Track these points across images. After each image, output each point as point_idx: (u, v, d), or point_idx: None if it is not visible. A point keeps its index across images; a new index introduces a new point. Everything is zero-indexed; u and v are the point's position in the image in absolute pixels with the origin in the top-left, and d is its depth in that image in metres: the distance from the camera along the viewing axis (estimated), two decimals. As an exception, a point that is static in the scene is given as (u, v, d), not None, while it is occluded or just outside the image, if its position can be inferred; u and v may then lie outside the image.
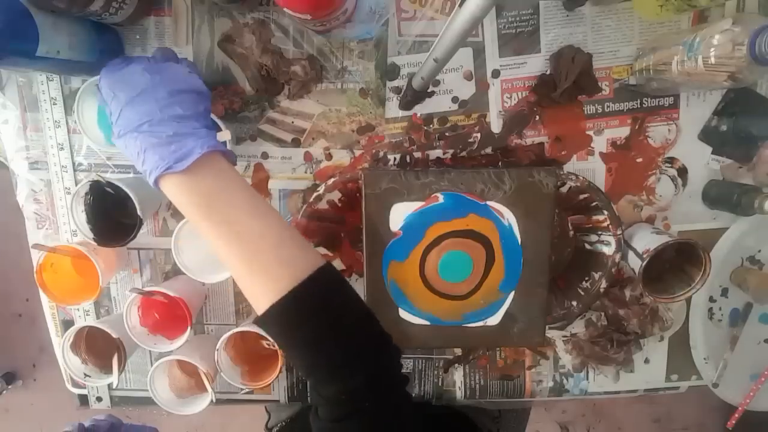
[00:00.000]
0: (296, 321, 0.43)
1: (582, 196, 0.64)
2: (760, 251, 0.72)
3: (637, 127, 0.67)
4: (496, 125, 0.67)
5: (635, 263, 0.63)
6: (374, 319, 0.46)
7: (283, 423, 0.83)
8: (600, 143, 0.68)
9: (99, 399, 0.77)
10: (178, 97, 0.47)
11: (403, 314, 0.63)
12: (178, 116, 0.45)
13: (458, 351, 0.75)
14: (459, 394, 0.76)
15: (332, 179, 0.63)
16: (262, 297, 0.44)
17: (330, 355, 0.43)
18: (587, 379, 0.76)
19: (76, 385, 0.76)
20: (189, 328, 0.65)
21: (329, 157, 0.69)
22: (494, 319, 0.64)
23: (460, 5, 0.44)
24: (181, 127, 0.45)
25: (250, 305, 0.73)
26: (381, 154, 0.68)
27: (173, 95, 0.46)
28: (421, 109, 0.67)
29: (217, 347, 0.65)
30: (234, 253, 0.44)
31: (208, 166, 0.45)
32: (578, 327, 0.73)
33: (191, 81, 0.50)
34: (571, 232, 0.70)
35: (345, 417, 0.42)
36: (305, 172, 0.69)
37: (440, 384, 0.76)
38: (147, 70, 0.47)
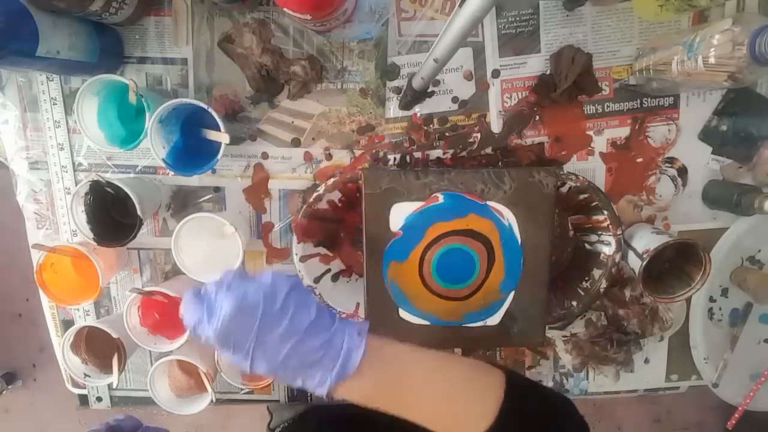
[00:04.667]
0: None
1: (582, 196, 0.64)
2: (760, 251, 0.71)
3: (637, 127, 0.67)
4: (496, 125, 0.67)
5: (635, 263, 0.63)
6: (571, 404, 0.48)
7: (286, 423, 0.83)
8: (600, 143, 0.68)
9: (99, 399, 0.77)
10: (293, 307, 0.41)
11: (403, 314, 0.63)
12: (311, 326, 0.41)
13: (458, 351, 0.75)
14: (459, 394, 0.76)
15: (332, 179, 0.63)
16: None
17: None
18: (587, 379, 0.76)
19: (76, 385, 0.76)
20: (189, 328, 0.65)
21: (329, 157, 0.69)
22: (494, 319, 0.63)
23: (460, 5, 0.44)
24: (320, 334, 0.41)
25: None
26: (381, 154, 0.68)
27: (288, 309, 0.41)
28: (421, 109, 0.67)
29: (217, 347, 0.65)
30: (429, 419, 0.43)
31: (368, 356, 0.41)
32: (578, 327, 0.73)
33: (286, 281, 0.42)
34: (571, 232, 0.70)
35: None
36: (305, 172, 0.69)
37: (440, 384, 0.76)
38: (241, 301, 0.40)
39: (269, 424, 0.86)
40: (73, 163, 0.69)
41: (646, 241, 0.63)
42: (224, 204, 0.70)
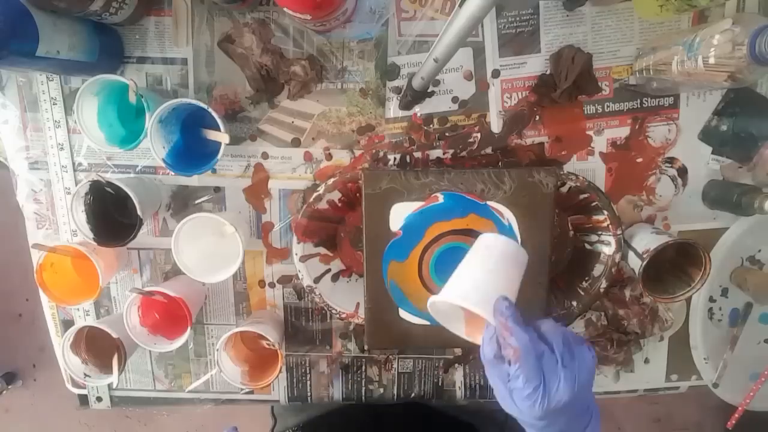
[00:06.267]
0: None
1: (582, 196, 0.64)
2: (760, 251, 0.71)
3: (637, 127, 0.67)
4: (496, 125, 0.67)
5: (635, 263, 0.63)
6: None
7: (290, 430, 0.82)
8: (600, 143, 0.68)
9: (99, 399, 0.77)
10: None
11: (404, 314, 0.63)
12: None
13: (458, 351, 0.75)
14: (459, 394, 0.76)
15: (332, 179, 0.63)
16: None
17: None
18: (587, 379, 0.76)
19: (76, 385, 0.76)
20: (189, 328, 0.65)
21: (329, 157, 0.69)
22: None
23: (460, 5, 0.44)
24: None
25: (251, 305, 0.73)
26: (381, 154, 0.68)
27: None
28: (421, 109, 0.67)
29: (217, 347, 0.65)
30: None
31: None
32: (578, 327, 0.73)
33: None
34: (571, 232, 0.70)
35: None
36: (305, 172, 0.69)
37: (440, 384, 0.76)
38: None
39: (272, 429, 0.85)
40: (73, 163, 0.69)
41: (646, 241, 0.63)
42: (224, 204, 0.70)
